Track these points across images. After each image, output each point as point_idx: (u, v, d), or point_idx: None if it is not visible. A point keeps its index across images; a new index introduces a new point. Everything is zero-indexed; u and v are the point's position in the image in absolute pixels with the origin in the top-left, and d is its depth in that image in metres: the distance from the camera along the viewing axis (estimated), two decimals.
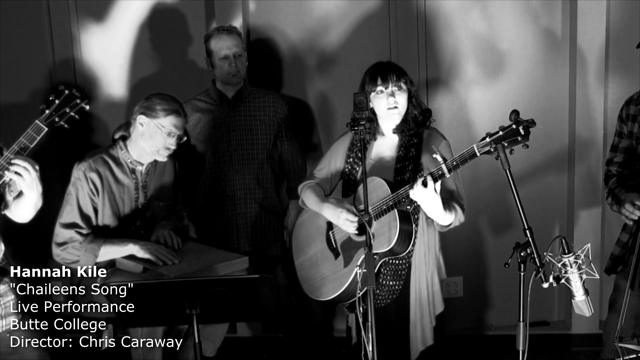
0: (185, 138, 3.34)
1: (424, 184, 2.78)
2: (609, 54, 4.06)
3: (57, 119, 3.02)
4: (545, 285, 2.50)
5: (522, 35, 4.09)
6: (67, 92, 3.03)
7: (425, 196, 2.80)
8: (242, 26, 3.98)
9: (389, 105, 3.06)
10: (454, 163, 2.77)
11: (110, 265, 3.27)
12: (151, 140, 3.26)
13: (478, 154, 2.69)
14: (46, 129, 2.98)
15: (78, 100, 3.03)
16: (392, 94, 3.04)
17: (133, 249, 3.22)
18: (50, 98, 3.03)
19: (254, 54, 4.07)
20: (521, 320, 2.52)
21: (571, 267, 2.50)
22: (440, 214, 2.90)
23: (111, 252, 3.24)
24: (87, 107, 3.07)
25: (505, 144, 2.60)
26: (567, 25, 4.08)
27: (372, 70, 3.11)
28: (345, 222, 3.03)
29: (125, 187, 3.33)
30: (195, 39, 4.16)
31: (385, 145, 3.17)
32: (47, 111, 3.00)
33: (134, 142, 3.31)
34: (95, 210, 3.28)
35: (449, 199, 3.00)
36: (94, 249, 3.22)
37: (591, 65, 4.04)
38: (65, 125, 3.07)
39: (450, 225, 3.01)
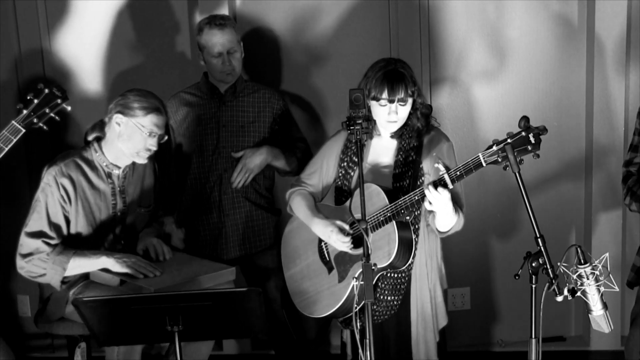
0: (166, 137, 3.34)
1: (444, 185, 2.81)
2: (631, 42, 4.07)
3: (35, 120, 3.04)
4: (559, 298, 2.51)
5: (533, 23, 4.10)
6: (47, 91, 3.05)
7: (442, 198, 2.82)
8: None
9: (389, 119, 3.07)
10: (458, 173, 2.79)
11: (84, 277, 3.27)
12: (130, 141, 3.25)
13: (484, 164, 2.71)
14: (24, 130, 3.00)
15: (59, 100, 3.05)
16: (395, 110, 3.05)
17: (107, 262, 3.21)
18: (29, 97, 3.05)
19: None
20: (533, 336, 2.54)
21: (588, 278, 2.51)
22: (451, 213, 2.93)
23: (82, 265, 3.22)
24: (69, 108, 3.09)
25: (515, 153, 2.61)
26: (584, 11, 4.09)
27: (381, 75, 3.04)
28: (337, 243, 3.06)
29: (101, 193, 3.32)
30: (178, 29, 4.17)
31: (383, 149, 3.19)
32: (24, 111, 3.01)
33: (110, 144, 3.30)
34: (67, 219, 3.26)
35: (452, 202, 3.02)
36: (63, 261, 3.19)
37: (610, 55, 4.05)
38: (44, 127, 3.08)
39: (450, 230, 3.05)
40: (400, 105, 3.05)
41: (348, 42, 4.14)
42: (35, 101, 3.01)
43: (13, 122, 3.00)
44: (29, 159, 4.23)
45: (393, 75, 3.04)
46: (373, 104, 3.07)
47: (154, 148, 3.28)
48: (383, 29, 4.14)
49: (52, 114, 3.04)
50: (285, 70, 4.19)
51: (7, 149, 3.02)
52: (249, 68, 4.07)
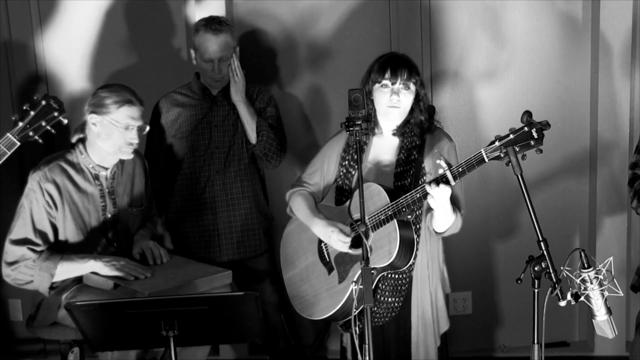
0: (147, 127, 3.33)
1: (446, 182, 2.82)
2: (637, 42, 4.08)
3: (31, 133, 3.00)
4: (562, 303, 2.52)
5: (537, 22, 4.11)
6: (43, 102, 3.01)
7: (444, 194, 2.84)
8: (224, 14, 3.96)
9: (390, 104, 3.08)
10: (460, 170, 2.80)
11: (77, 281, 3.26)
12: (109, 139, 3.24)
13: (486, 160, 2.72)
14: (19, 143, 2.97)
15: (56, 113, 3.01)
16: (397, 92, 3.07)
17: (95, 266, 3.19)
18: (25, 108, 3.01)
19: None
20: (536, 342, 2.55)
21: (591, 283, 2.51)
22: (449, 212, 2.95)
23: (70, 270, 3.20)
24: (65, 121, 3.06)
25: (517, 149, 2.62)
26: (589, 8, 4.11)
27: (384, 59, 3.13)
28: (338, 243, 3.07)
29: (89, 196, 3.30)
30: (173, 28, 4.17)
31: (384, 147, 3.20)
32: (20, 123, 2.97)
33: (92, 145, 3.28)
34: (54, 225, 3.24)
35: (451, 203, 3.03)
36: (50, 267, 3.18)
37: (616, 54, 4.06)
38: (40, 140, 3.06)
39: (446, 231, 3.06)
40: (403, 89, 3.07)
41: (348, 42, 4.14)
42: (32, 113, 2.98)
43: (8, 134, 2.97)
44: (21, 161, 4.21)
45: (397, 58, 3.12)
46: (375, 89, 3.10)
47: (136, 141, 3.28)
48: (383, 29, 4.14)
49: (48, 127, 3.02)
50: (285, 70, 4.19)
51: (0, 162, 3.00)
52: (248, 67, 4.07)
